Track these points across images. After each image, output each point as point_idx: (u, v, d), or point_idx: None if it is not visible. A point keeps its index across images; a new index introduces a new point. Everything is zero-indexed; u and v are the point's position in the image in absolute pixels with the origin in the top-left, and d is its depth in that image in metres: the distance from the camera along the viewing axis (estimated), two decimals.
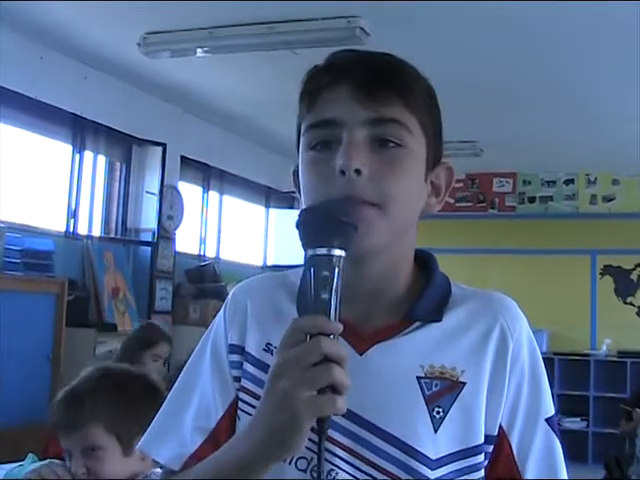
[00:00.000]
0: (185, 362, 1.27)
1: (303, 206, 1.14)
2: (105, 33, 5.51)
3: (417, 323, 1.16)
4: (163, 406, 1.25)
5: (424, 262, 1.23)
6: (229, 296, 1.27)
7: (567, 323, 9.33)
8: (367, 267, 1.15)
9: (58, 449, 3.12)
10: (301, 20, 5.04)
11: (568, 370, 9.02)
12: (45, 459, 2.16)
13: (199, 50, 5.46)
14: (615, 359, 9.00)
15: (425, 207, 1.20)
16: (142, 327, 4.73)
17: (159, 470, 1.96)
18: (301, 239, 1.02)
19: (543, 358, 1.19)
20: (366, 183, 1.09)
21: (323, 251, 1.00)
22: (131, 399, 1.99)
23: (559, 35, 5.20)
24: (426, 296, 1.17)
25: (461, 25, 5.07)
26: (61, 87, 5.93)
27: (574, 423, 9.03)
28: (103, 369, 2.11)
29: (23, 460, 3.12)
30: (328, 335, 0.96)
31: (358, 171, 1.08)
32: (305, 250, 1.02)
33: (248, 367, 1.18)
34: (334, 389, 0.95)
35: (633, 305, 9.37)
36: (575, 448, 8.76)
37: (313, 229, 1.02)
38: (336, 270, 1.00)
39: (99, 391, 1.98)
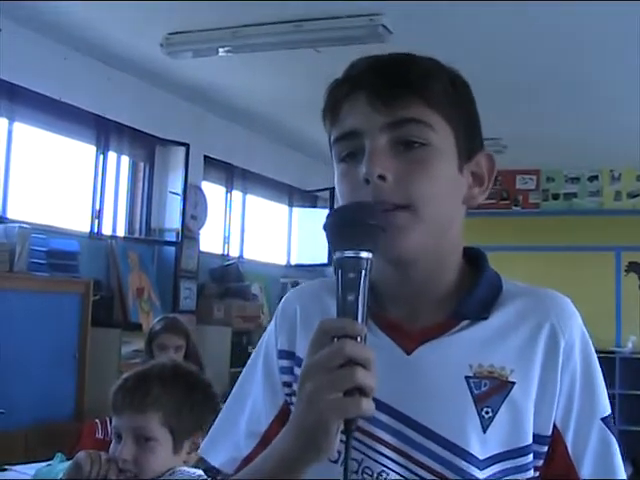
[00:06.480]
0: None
1: None
2: (128, 34, 5.54)
3: (465, 321, 1.14)
4: (221, 413, 1.29)
5: (473, 259, 1.21)
6: (280, 303, 1.28)
7: (592, 320, 9.00)
8: (409, 270, 1.14)
9: (92, 443, 3.13)
10: (324, 19, 5.03)
11: None
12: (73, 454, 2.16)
13: (221, 50, 5.47)
14: None
15: (469, 198, 1.18)
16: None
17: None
18: (328, 241, 1.03)
19: None
20: (393, 187, 1.08)
21: (350, 253, 1.00)
22: (195, 402, 2.03)
23: (583, 31, 5.16)
24: (474, 294, 1.16)
25: (484, 21, 5.04)
26: (85, 88, 5.95)
27: None
28: (176, 365, 2.15)
29: (51, 459, 3.15)
30: (355, 337, 0.96)
31: (382, 177, 1.08)
32: (333, 252, 1.02)
33: (298, 371, 1.17)
34: (361, 391, 0.94)
35: None
36: None
37: (339, 231, 1.02)
38: (363, 272, 0.99)
39: (170, 383, 2.00)
